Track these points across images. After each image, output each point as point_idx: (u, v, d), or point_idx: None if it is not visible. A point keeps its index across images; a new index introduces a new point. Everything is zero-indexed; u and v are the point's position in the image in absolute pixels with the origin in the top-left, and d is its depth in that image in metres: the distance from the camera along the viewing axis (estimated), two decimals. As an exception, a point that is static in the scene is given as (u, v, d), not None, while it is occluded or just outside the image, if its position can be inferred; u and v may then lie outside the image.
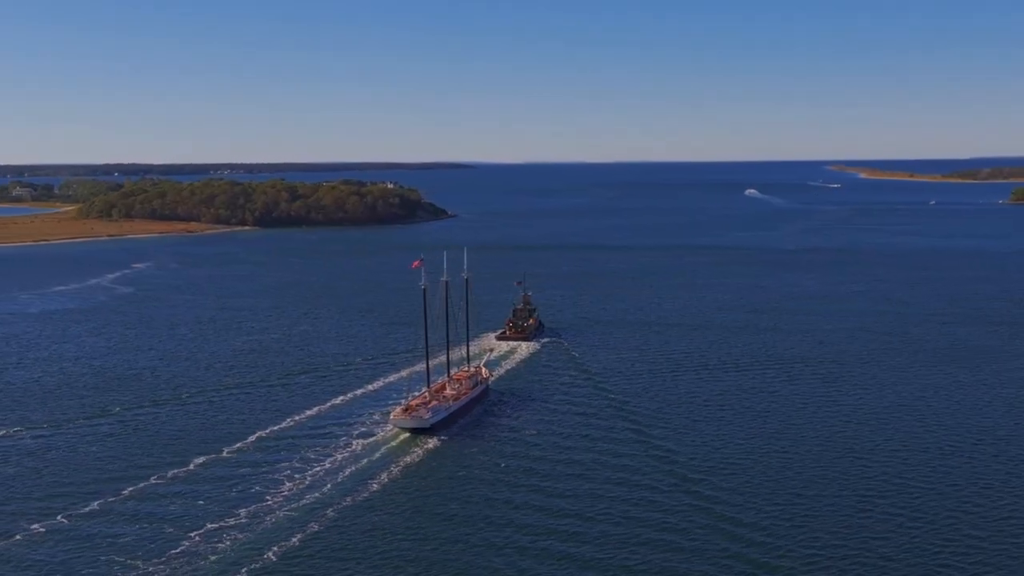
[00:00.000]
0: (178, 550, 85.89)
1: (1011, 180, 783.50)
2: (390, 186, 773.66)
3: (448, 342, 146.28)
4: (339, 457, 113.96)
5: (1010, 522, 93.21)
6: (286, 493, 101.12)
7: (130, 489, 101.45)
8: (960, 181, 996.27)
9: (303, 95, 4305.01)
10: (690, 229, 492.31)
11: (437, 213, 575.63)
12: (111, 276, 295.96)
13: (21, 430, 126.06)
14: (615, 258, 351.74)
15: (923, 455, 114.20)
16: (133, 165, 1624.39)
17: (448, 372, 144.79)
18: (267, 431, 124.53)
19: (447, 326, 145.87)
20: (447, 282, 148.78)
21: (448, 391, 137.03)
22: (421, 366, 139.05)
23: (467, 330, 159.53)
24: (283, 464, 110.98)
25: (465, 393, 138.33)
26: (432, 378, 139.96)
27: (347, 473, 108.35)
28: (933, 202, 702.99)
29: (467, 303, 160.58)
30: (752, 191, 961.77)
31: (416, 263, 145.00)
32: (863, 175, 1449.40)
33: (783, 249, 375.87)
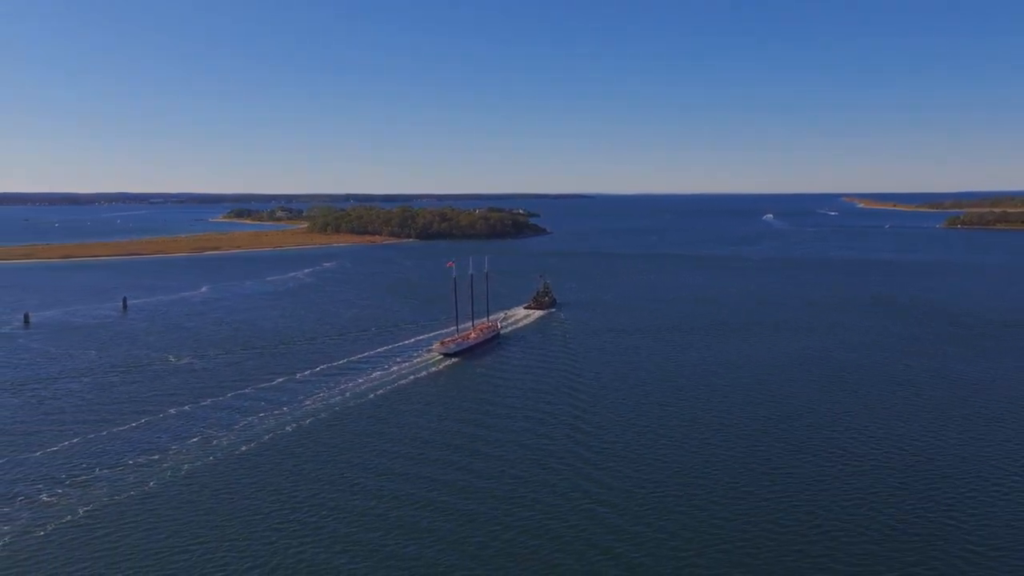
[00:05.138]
0: (238, 426, 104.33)
1: (967, 209, 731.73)
2: (520, 212, 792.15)
3: (473, 310, 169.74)
4: (390, 371, 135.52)
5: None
6: (322, 394, 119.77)
7: (231, 394, 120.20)
8: (928, 210, 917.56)
9: (483, 146, 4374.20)
10: (703, 243, 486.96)
11: (538, 231, 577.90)
12: (305, 270, 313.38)
13: (190, 359, 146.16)
14: (629, 261, 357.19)
15: (728, 391, 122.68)
16: (362, 194, 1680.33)
17: (473, 325, 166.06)
18: (340, 361, 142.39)
19: (471, 301, 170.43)
20: (472, 275, 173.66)
21: (472, 335, 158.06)
22: (455, 323, 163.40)
23: (487, 303, 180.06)
24: (339, 378, 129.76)
25: (482, 336, 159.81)
26: (463, 329, 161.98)
27: (390, 378, 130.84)
28: (888, 226, 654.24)
29: (487, 288, 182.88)
30: (768, 216, 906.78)
31: (449, 264, 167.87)
32: (861, 204, 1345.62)
33: (750, 258, 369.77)
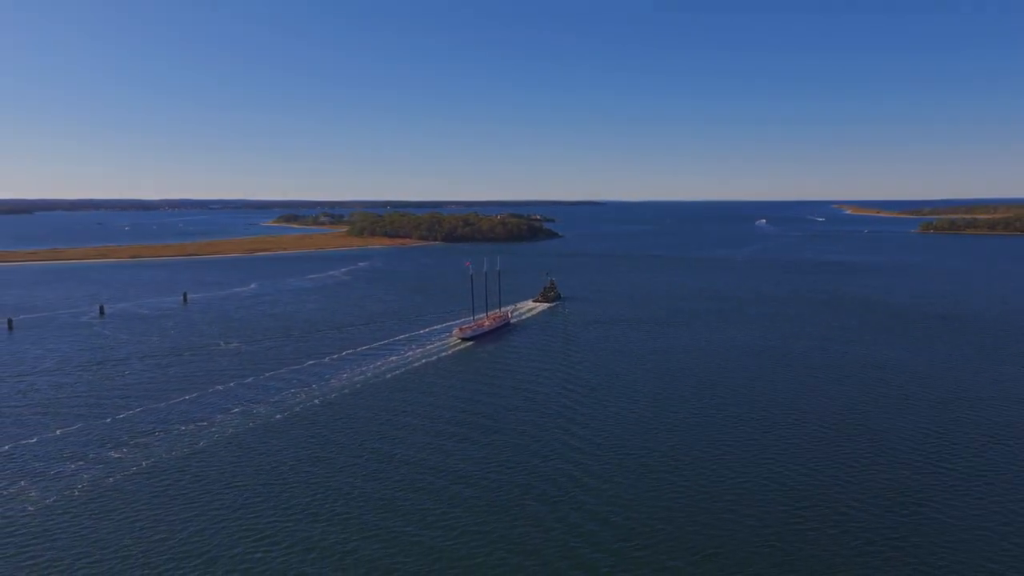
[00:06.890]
0: (274, 399, 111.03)
1: (945, 215, 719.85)
2: (537, 217, 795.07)
3: (487, 302, 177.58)
4: (414, 352, 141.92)
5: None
6: (347, 372, 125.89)
7: (270, 373, 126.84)
8: (908, 216, 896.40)
9: (510, 156, 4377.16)
10: (698, 245, 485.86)
11: (551, 235, 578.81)
12: (342, 269, 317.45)
13: (237, 344, 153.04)
14: (631, 261, 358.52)
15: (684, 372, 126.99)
16: (398, 201, 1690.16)
17: (487, 314, 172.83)
18: (368, 346, 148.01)
19: (486, 294, 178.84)
20: (486, 272, 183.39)
21: (486, 322, 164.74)
22: (471, 313, 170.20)
23: (499, 297, 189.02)
24: (366, 359, 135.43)
25: (494, 324, 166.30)
26: (479, 318, 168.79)
27: (411, 358, 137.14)
28: (866, 230, 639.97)
29: (499, 283, 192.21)
30: (761, 221, 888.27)
31: (467, 263, 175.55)
32: (848, 211, 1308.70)
33: (735, 260, 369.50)
